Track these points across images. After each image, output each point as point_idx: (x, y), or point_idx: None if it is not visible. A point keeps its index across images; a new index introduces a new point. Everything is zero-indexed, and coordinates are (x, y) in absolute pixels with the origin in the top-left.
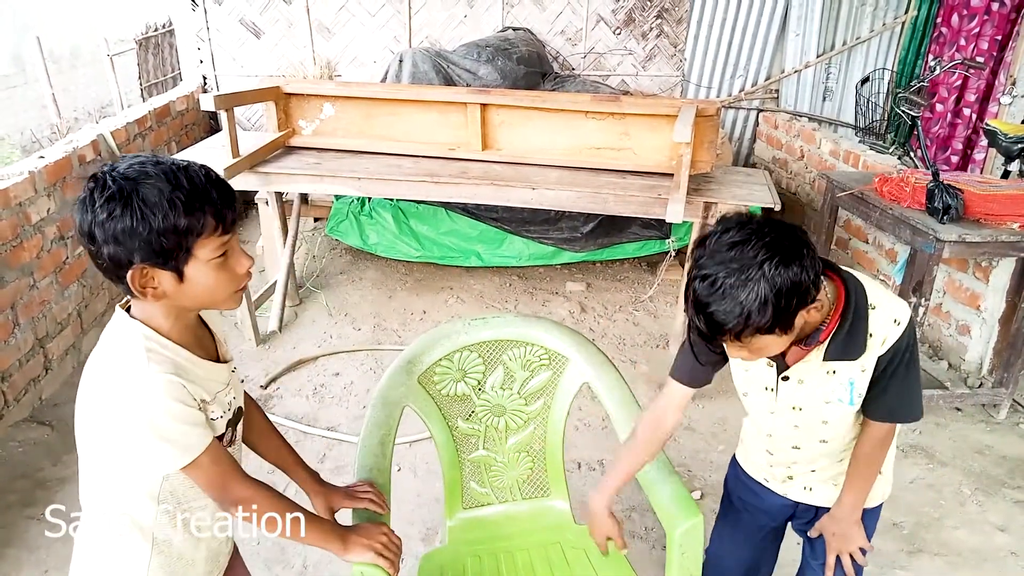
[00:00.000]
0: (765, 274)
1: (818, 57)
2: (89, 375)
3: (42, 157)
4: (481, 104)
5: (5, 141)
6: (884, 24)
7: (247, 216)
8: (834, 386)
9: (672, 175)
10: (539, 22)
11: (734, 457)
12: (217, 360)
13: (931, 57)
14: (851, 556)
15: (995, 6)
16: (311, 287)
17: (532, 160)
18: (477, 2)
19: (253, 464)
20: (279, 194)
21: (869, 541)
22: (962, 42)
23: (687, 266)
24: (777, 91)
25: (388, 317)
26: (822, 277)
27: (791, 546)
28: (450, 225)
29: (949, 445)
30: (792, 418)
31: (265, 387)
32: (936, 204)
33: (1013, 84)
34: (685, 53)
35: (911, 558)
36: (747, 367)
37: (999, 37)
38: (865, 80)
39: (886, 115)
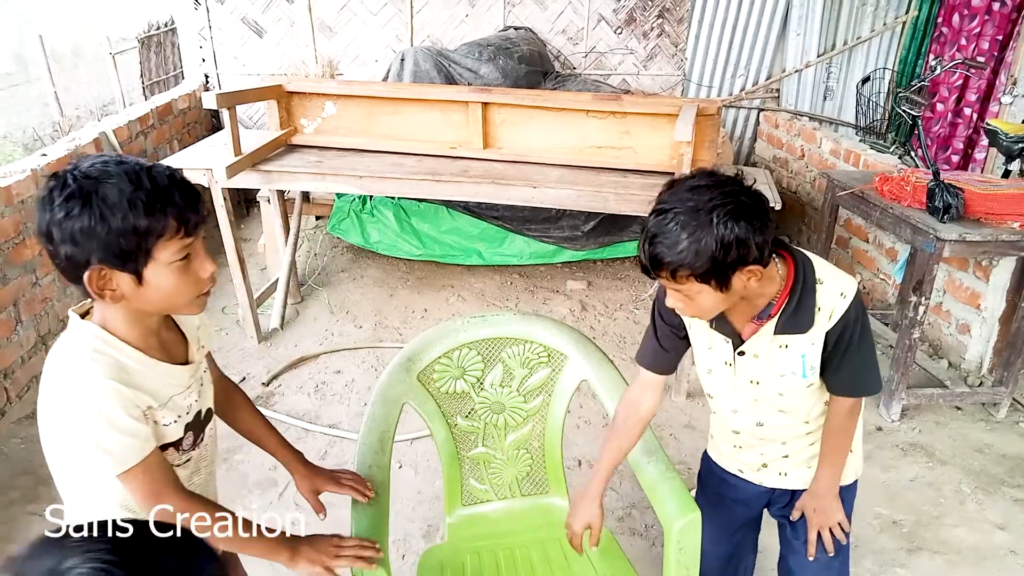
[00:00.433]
0: (713, 220)
1: (819, 56)
2: (41, 382)
3: (44, 155)
4: (483, 103)
5: (7, 139)
6: (885, 24)
7: (210, 219)
8: (787, 359)
9: (673, 174)
10: (540, 21)
11: (705, 453)
12: (185, 363)
13: (932, 57)
14: (831, 533)
15: (996, 6)
16: (313, 285)
17: (533, 159)
18: (479, 1)
19: (256, 460)
20: (281, 192)
21: (848, 518)
22: (963, 42)
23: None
24: (778, 90)
25: (389, 315)
26: (773, 255)
27: (771, 532)
28: (451, 223)
29: (949, 444)
30: (751, 392)
31: (267, 384)
32: (937, 203)
33: (1014, 84)
34: (686, 52)
35: (911, 556)
36: (710, 343)
37: (1000, 37)
38: (866, 80)
39: (887, 114)
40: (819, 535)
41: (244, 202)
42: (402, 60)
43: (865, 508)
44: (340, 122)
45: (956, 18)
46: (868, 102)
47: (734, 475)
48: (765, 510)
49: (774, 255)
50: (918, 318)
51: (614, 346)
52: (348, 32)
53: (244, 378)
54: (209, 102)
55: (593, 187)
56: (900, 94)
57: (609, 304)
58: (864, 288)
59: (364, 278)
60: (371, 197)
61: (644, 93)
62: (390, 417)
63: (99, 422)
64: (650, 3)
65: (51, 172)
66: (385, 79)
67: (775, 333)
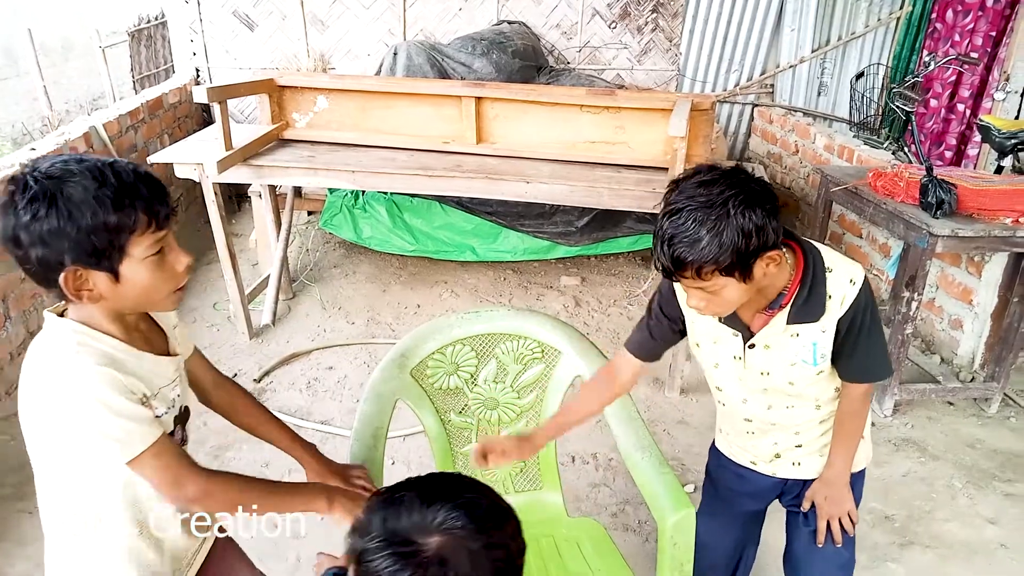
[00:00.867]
0: (730, 211)
1: (813, 52)
2: (23, 385)
3: (33, 149)
4: (476, 97)
5: None
6: (879, 19)
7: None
8: (798, 348)
9: (667, 169)
10: (534, 15)
11: (713, 445)
12: (166, 355)
13: (925, 53)
14: (840, 523)
15: (989, 2)
16: (304, 281)
17: (527, 154)
18: None
19: (247, 457)
20: (272, 187)
21: (856, 507)
22: (956, 38)
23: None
24: (772, 86)
25: (382, 311)
26: (782, 245)
27: (768, 525)
28: (444, 219)
29: (941, 439)
30: (761, 383)
31: (258, 381)
32: (930, 199)
33: (1007, 80)
34: (680, 47)
35: (903, 550)
36: (716, 338)
37: (993, 33)
38: (860, 75)
39: (880, 110)
40: (828, 525)
41: (235, 197)
42: (395, 54)
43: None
44: (332, 116)
45: (950, 14)
46: (862, 98)
47: (746, 467)
48: (776, 500)
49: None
50: (911, 313)
51: (608, 342)
52: (340, 26)
53: (235, 374)
54: (200, 96)
55: (587, 182)
56: (894, 90)
57: (603, 300)
58: None
59: (356, 274)
60: (363, 192)
61: (638, 88)
62: (383, 413)
63: (99, 409)
64: None
65: (6, 177)
66: (378, 73)
67: (788, 323)
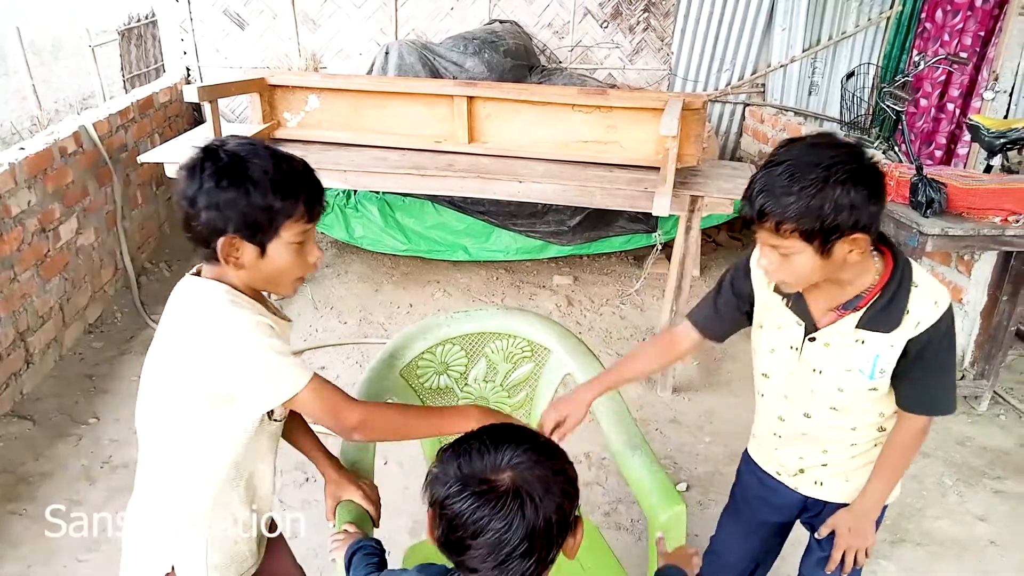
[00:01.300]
0: (830, 178)
1: (804, 52)
2: (173, 340)
3: (22, 149)
4: (468, 97)
5: None
6: (869, 19)
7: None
8: (858, 356)
9: (659, 169)
10: (526, 15)
11: (746, 452)
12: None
13: (915, 52)
14: (855, 557)
15: (978, 2)
16: None
17: (519, 153)
18: None
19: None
20: None
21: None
22: (946, 37)
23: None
24: (763, 85)
25: (374, 311)
26: (874, 247)
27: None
28: (437, 218)
29: (931, 436)
30: (810, 382)
31: None
32: (920, 198)
33: (996, 79)
34: (672, 47)
35: (893, 548)
36: (780, 323)
37: (982, 33)
38: (850, 75)
39: (871, 110)
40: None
41: None
42: (386, 53)
43: None
44: (324, 116)
45: (939, 14)
46: (852, 97)
47: (772, 477)
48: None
49: (875, 248)
50: None
51: (600, 341)
52: (332, 25)
53: None
54: (191, 95)
55: (579, 182)
56: (884, 89)
57: (595, 299)
58: None
59: (348, 273)
60: (355, 192)
61: (630, 87)
62: None
63: (265, 352)
64: None
65: (200, 146)
66: (369, 72)
67: (857, 326)
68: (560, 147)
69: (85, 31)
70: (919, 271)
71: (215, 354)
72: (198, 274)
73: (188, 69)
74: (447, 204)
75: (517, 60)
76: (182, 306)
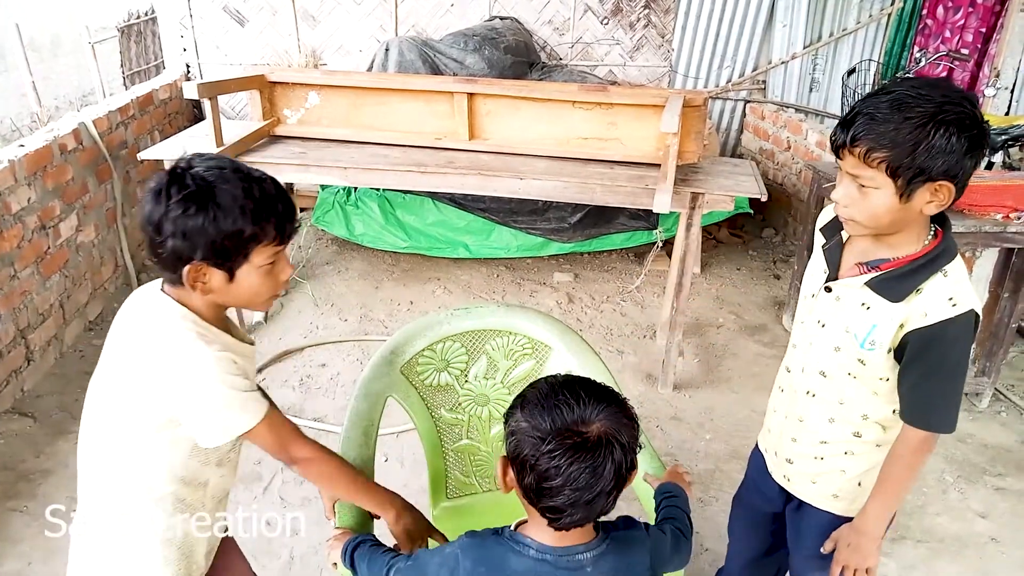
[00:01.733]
0: (934, 117)
1: (805, 48)
2: (127, 357)
3: (22, 146)
4: (468, 93)
5: None
6: (870, 15)
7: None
8: (859, 319)
9: (659, 165)
10: (526, 11)
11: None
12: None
13: (917, 49)
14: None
15: None
16: (297, 278)
17: (519, 150)
18: None
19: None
20: None
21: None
22: (947, 34)
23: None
24: (764, 82)
25: (375, 308)
26: (933, 227)
27: None
28: (437, 216)
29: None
30: (813, 333)
31: None
32: None
33: (997, 76)
34: (673, 43)
35: (894, 545)
36: (814, 269)
37: (983, 29)
38: (852, 71)
39: None
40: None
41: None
42: (386, 50)
43: None
44: (324, 112)
45: (940, 10)
46: (854, 94)
47: (764, 458)
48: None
49: (933, 227)
50: None
51: (601, 338)
52: (332, 21)
53: None
54: (190, 92)
55: (579, 178)
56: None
57: (596, 296)
58: None
59: (349, 271)
60: (356, 189)
61: (630, 84)
62: (373, 411)
63: (226, 392)
64: None
65: (167, 168)
66: (369, 69)
67: (866, 284)
68: (561, 144)
69: (85, 28)
70: (960, 269)
71: (174, 389)
72: (162, 287)
73: (188, 66)
74: (447, 201)
75: (517, 57)
76: (141, 324)
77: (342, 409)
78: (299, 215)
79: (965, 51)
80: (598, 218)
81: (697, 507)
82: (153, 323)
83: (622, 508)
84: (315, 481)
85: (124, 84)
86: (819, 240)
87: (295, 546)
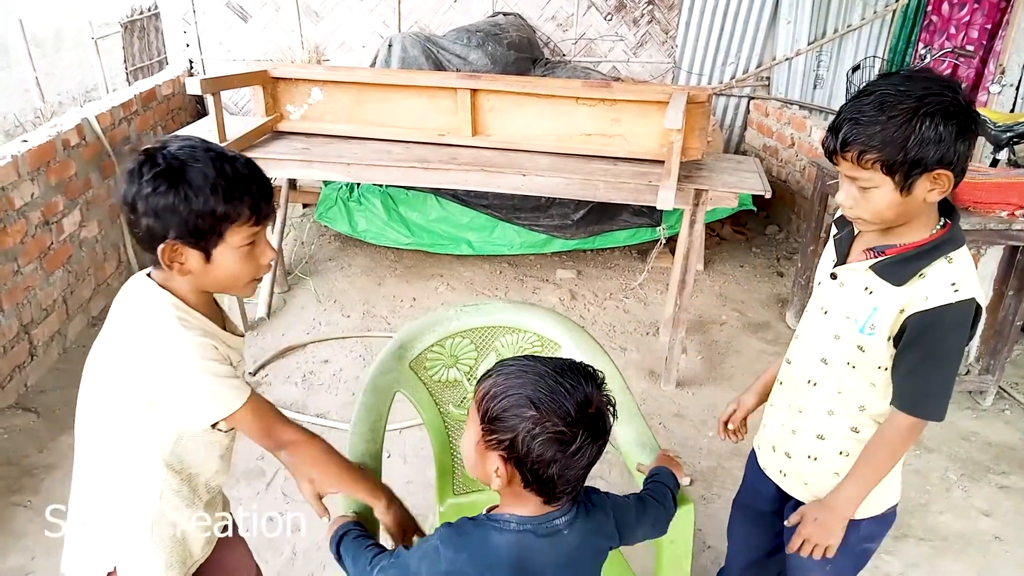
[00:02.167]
0: (920, 110)
1: (809, 45)
2: (113, 341)
3: (25, 141)
4: (471, 89)
5: None
6: (875, 12)
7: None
8: (860, 304)
9: (663, 162)
10: (530, 7)
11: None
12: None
13: (921, 45)
14: (812, 553)
15: None
16: (299, 274)
17: (522, 146)
18: None
19: (244, 450)
20: None
21: (860, 563)
22: (952, 30)
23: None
24: (768, 78)
25: (377, 304)
26: (941, 219)
27: None
28: (440, 212)
29: (936, 431)
30: (818, 320)
31: (254, 374)
32: None
33: (1002, 73)
34: (676, 40)
35: (897, 543)
36: (825, 258)
37: (989, 26)
38: (856, 68)
39: None
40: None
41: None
42: (389, 46)
43: None
44: (327, 108)
45: (945, 7)
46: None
47: (759, 456)
48: None
49: (942, 219)
50: None
51: (604, 335)
52: (335, 17)
53: None
54: (193, 88)
55: (583, 175)
56: None
57: (599, 293)
58: None
59: (352, 267)
60: (359, 185)
61: (634, 80)
62: (382, 405)
63: (204, 376)
64: None
65: (142, 148)
66: (372, 65)
67: (871, 267)
68: (564, 140)
69: (87, 23)
70: (965, 257)
71: (151, 372)
72: (149, 274)
73: (191, 62)
74: (450, 198)
75: (521, 53)
76: (128, 311)
77: (345, 405)
78: (275, 199)
79: (970, 48)
80: (601, 215)
81: (700, 504)
82: (135, 307)
83: (619, 487)
84: (305, 466)
85: (127, 80)
86: (833, 231)
87: (297, 543)
